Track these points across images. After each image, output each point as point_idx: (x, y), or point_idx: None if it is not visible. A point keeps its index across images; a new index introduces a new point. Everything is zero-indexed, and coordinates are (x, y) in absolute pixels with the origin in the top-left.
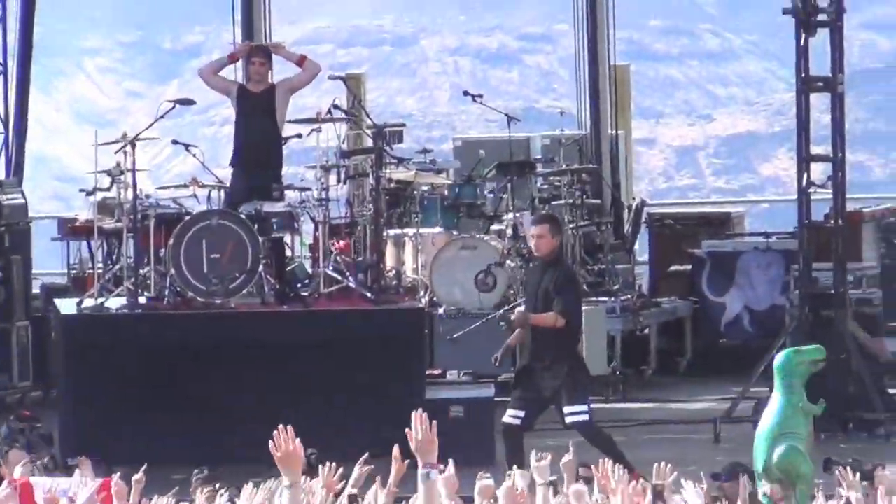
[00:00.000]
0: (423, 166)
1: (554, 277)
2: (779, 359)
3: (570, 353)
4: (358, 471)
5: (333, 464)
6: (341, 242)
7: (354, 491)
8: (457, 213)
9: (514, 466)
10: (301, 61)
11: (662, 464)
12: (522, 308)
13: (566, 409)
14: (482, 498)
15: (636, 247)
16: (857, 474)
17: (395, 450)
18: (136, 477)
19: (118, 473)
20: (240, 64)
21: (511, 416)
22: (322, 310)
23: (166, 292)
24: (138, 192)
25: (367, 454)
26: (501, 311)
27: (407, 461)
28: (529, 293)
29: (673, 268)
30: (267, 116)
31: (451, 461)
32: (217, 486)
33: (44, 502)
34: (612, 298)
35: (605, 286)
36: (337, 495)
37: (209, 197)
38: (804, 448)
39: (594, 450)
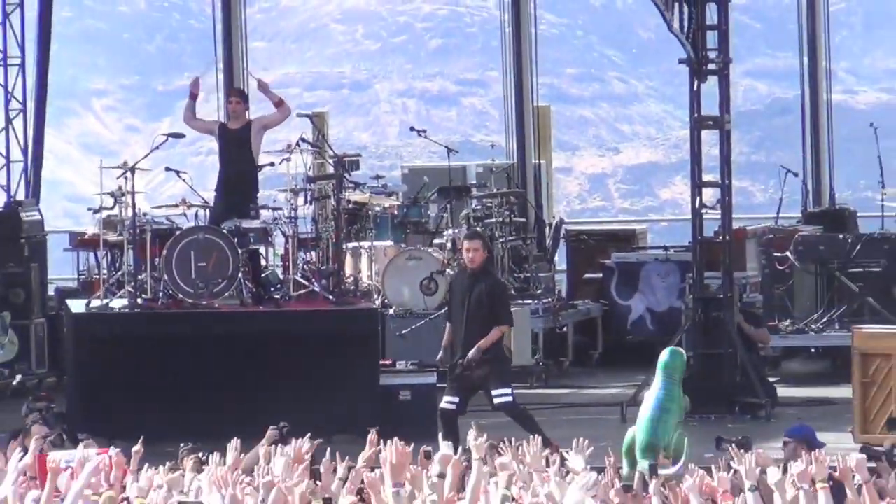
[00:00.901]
0: (377, 190)
1: (488, 287)
2: (664, 355)
3: (496, 347)
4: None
5: (303, 438)
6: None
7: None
8: (405, 229)
9: (449, 442)
10: (279, 103)
11: (581, 439)
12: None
13: (493, 393)
14: (442, 465)
15: (556, 258)
16: (742, 449)
17: (372, 433)
18: (135, 448)
19: (118, 447)
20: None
21: (447, 403)
22: (292, 310)
23: (160, 294)
24: (137, 210)
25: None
26: (440, 313)
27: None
28: (457, 300)
29: (587, 276)
30: (244, 148)
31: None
32: (201, 454)
33: (50, 471)
34: (536, 301)
35: (529, 291)
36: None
37: (196, 215)
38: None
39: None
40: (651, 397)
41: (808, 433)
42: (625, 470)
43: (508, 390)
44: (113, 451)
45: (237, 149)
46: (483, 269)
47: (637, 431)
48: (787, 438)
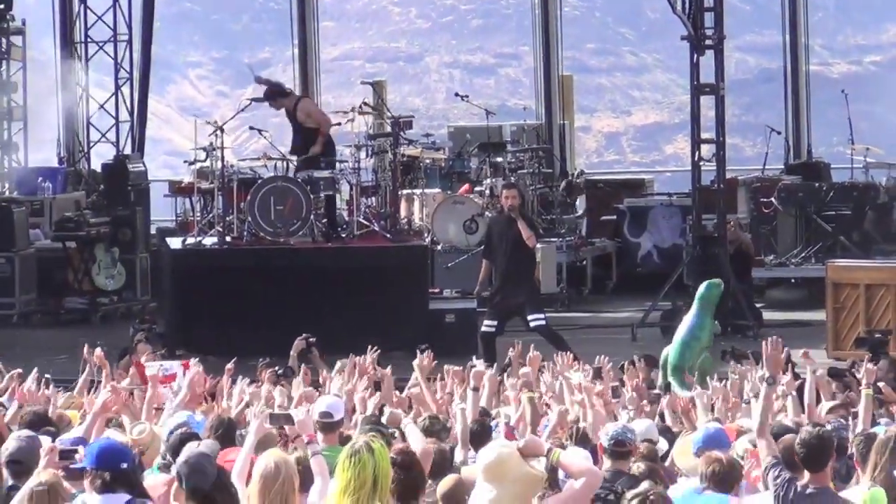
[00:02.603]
0: (426, 145)
1: (524, 222)
2: (702, 288)
3: (529, 279)
4: (371, 354)
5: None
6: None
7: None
8: (450, 179)
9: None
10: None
11: (603, 357)
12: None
13: (529, 318)
14: (476, 380)
15: (577, 202)
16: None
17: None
18: (228, 366)
19: (208, 362)
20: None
21: (487, 326)
22: (355, 246)
23: (245, 233)
24: (225, 162)
25: (377, 348)
26: (480, 249)
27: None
28: (496, 239)
29: (603, 217)
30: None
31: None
32: (277, 368)
33: (150, 379)
34: (560, 239)
35: (555, 230)
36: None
37: (276, 166)
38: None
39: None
40: (685, 323)
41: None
42: (659, 381)
43: (542, 315)
44: (194, 363)
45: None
46: (518, 213)
47: (669, 352)
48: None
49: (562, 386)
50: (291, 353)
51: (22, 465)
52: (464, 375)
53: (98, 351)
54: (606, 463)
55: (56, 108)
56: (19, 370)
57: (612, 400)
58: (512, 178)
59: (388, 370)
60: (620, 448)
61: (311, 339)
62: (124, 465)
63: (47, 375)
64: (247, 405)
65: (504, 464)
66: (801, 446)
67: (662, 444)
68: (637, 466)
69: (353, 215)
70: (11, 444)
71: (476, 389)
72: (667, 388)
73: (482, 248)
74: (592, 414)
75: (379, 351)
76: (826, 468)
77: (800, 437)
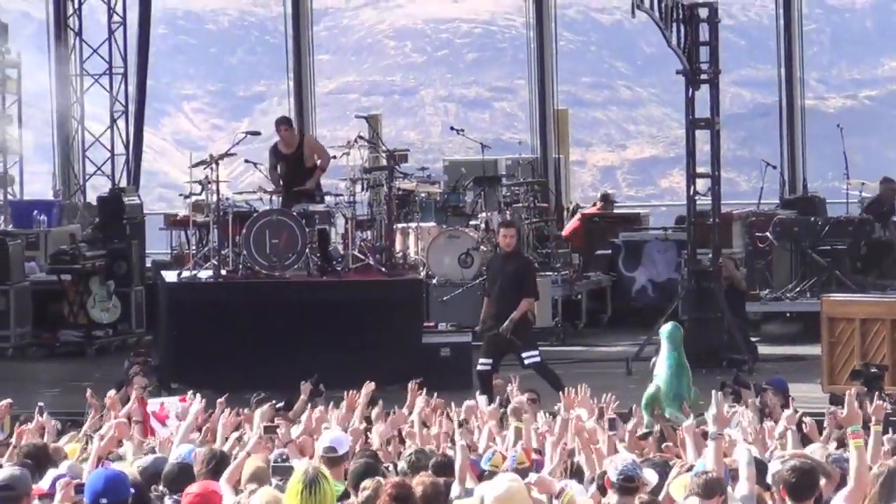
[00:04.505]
0: (422, 179)
1: (520, 265)
2: (667, 327)
3: (523, 317)
4: (366, 388)
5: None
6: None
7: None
8: (445, 212)
9: (485, 396)
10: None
11: (609, 394)
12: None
13: (524, 355)
14: (466, 413)
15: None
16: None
17: (412, 383)
18: (219, 400)
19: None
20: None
21: (483, 364)
22: (350, 280)
23: (240, 267)
24: (220, 196)
25: (372, 383)
26: (476, 283)
27: (422, 391)
28: (493, 277)
29: (598, 252)
30: (300, 168)
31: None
32: (273, 402)
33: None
34: (555, 273)
35: (550, 264)
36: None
37: (271, 199)
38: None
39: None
40: (663, 360)
41: (782, 384)
42: (645, 420)
43: (536, 352)
44: (190, 397)
45: (294, 169)
46: (515, 251)
47: (662, 385)
48: (765, 386)
49: (562, 423)
50: (301, 396)
51: (14, 491)
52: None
53: (111, 394)
54: (613, 498)
55: (52, 140)
56: (9, 400)
57: (610, 433)
58: (509, 216)
59: (379, 407)
60: (629, 483)
61: (320, 383)
62: (126, 497)
63: (40, 404)
64: (238, 438)
65: (512, 498)
66: (791, 473)
67: (651, 477)
68: (639, 498)
69: (347, 249)
70: (5, 471)
71: (463, 423)
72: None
73: (483, 284)
74: (590, 450)
75: (374, 386)
76: (810, 500)
77: (788, 465)
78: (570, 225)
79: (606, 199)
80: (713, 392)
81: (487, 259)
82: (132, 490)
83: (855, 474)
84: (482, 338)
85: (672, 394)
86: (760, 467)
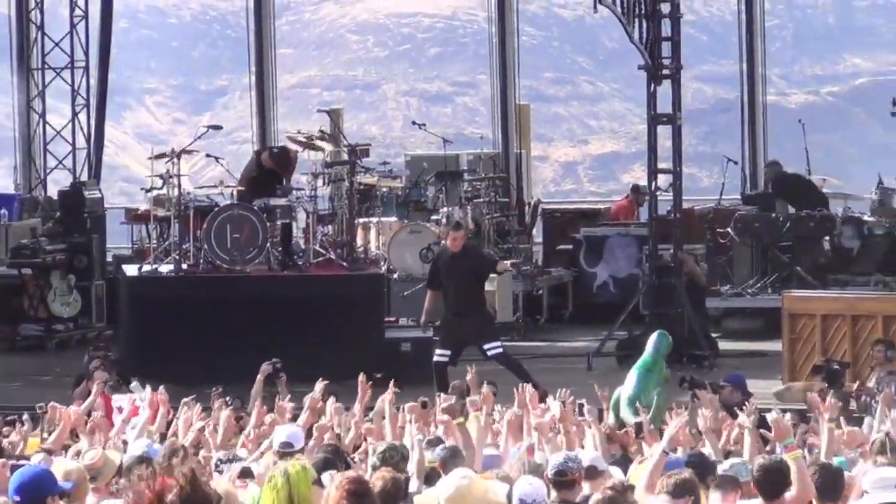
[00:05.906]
0: (383, 174)
1: (474, 259)
2: (655, 336)
3: (480, 309)
4: (319, 385)
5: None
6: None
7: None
8: (407, 207)
9: (441, 392)
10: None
11: (564, 390)
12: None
13: (486, 346)
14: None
15: (534, 232)
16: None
17: (362, 376)
18: (185, 399)
19: (162, 387)
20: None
21: (439, 356)
22: (311, 274)
23: (201, 261)
24: (182, 190)
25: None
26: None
27: (370, 383)
28: (444, 271)
29: (559, 247)
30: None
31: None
32: (228, 399)
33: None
34: (516, 269)
35: (511, 259)
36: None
37: (232, 194)
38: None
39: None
40: (638, 364)
41: (741, 380)
42: (611, 420)
43: (498, 343)
44: (161, 389)
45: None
46: (462, 251)
47: (623, 389)
48: (724, 383)
49: (519, 418)
50: (258, 377)
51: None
52: (425, 412)
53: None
54: (552, 494)
55: (13, 134)
56: None
57: (572, 429)
58: (458, 219)
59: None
60: (562, 478)
61: (278, 364)
62: (49, 498)
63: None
64: (199, 431)
65: (463, 497)
66: (759, 471)
67: (617, 474)
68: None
69: (309, 243)
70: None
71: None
72: (620, 426)
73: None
74: (552, 447)
75: (326, 382)
76: (782, 497)
77: (758, 463)
78: (619, 203)
79: (638, 191)
80: (673, 413)
81: (434, 255)
82: (64, 486)
83: (797, 482)
84: (439, 330)
85: (631, 395)
86: (707, 466)
